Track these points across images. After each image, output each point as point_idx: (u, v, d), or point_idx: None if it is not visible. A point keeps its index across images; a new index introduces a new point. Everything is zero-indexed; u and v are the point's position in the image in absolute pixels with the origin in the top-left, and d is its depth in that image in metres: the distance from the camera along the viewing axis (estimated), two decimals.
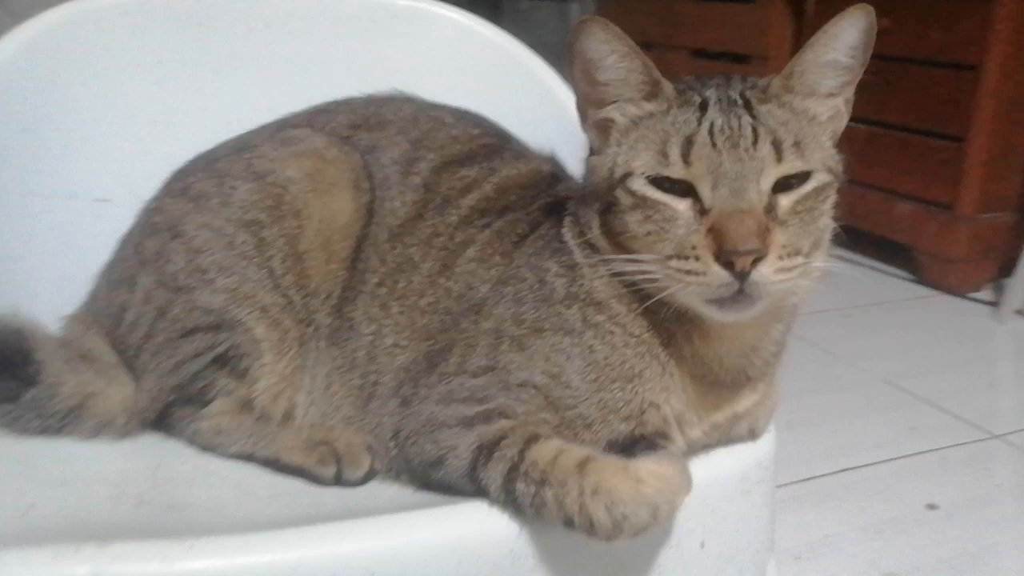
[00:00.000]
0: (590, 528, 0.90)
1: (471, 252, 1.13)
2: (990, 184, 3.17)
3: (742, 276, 0.89)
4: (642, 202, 0.94)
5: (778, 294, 0.93)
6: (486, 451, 0.97)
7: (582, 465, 0.93)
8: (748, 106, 0.94)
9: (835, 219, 1.01)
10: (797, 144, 0.92)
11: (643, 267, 0.95)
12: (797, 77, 0.96)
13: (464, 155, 1.23)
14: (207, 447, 1.17)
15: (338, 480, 1.10)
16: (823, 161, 0.95)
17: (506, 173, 1.21)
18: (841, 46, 0.97)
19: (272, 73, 1.52)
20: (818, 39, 0.97)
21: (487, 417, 1.00)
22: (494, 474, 0.95)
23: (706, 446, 1.09)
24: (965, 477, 2.17)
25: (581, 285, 1.02)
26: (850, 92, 1.00)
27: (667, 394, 1.01)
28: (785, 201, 0.92)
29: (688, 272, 0.91)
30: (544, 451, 0.95)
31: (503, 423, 0.99)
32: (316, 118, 1.27)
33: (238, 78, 1.52)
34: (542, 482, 0.93)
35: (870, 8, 0.95)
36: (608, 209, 1.00)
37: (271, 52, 1.55)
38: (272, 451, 1.14)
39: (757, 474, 1.10)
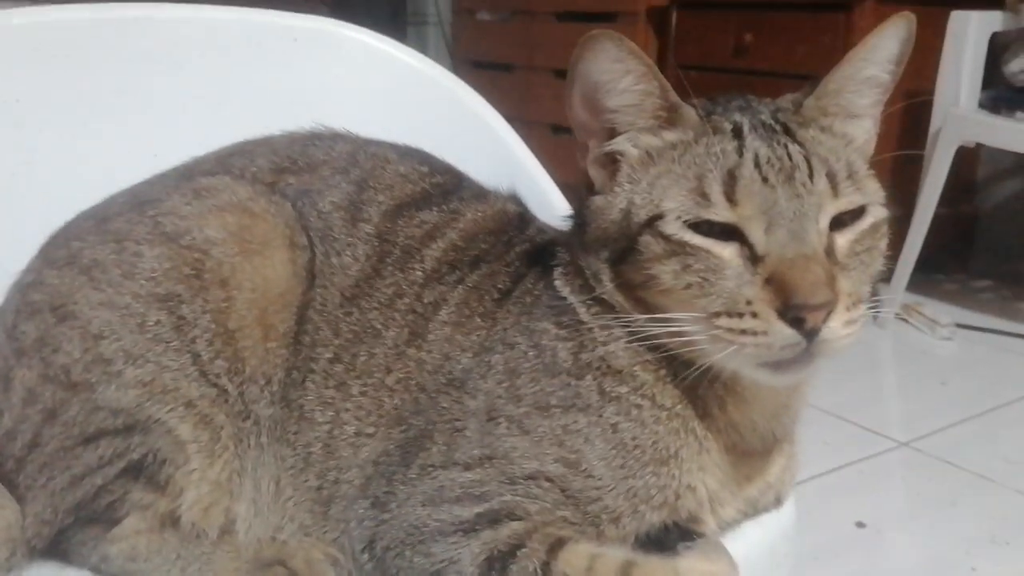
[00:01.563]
0: None
1: (444, 314, 0.96)
2: None
3: (811, 334, 0.76)
4: (679, 248, 0.80)
5: (843, 350, 0.81)
6: (499, 564, 0.81)
7: (626, 572, 0.79)
8: (788, 132, 0.83)
9: None
10: (851, 175, 0.81)
11: (680, 327, 0.81)
12: (832, 97, 0.86)
13: (418, 197, 1.04)
14: None
15: None
16: (876, 192, 0.85)
17: (471, 217, 1.04)
18: (881, 59, 0.86)
19: (157, 110, 1.29)
20: (856, 52, 0.85)
21: (493, 520, 0.83)
22: None
23: (732, 523, 0.95)
24: (887, 490, 2.17)
25: (594, 350, 0.87)
26: (879, 111, 0.89)
27: (704, 473, 0.88)
28: (842, 240, 0.81)
29: (743, 332, 0.78)
30: (575, 559, 0.79)
31: (514, 527, 0.83)
32: (230, 163, 1.05)
33: (116, 118, 1.28)
34: None
35: (912, 16, 0.85)
36: (624, 258, 0.85)
37: (155, 86, 1.32)
38: None
39: (784, 545, 0.98)
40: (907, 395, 2.77)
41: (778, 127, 0.82)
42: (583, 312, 0.88)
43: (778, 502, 0.99)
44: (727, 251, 0.80)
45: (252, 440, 0.95)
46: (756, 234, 0.79)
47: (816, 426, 2.40)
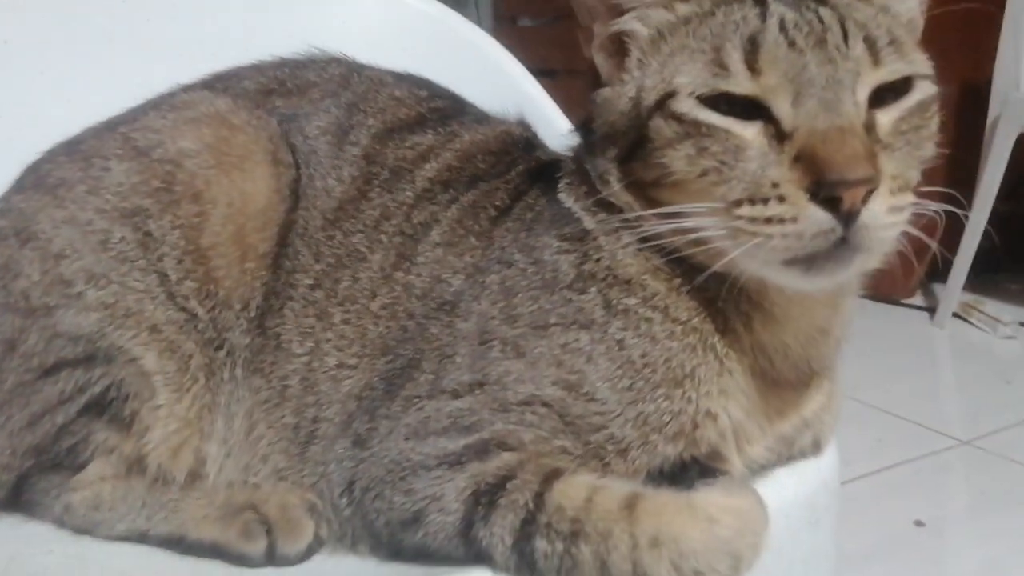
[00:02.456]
0: None
1: (435, 235, 0.86)
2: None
3: (849, 217, 0.65)
4: (694, 129, 0.70)
5: (886, 244, 0.70)
6: (486, 498, 0.70)
7: (630, 505, 0.68)
8: None
9: None
10: (893, 42, 0.71)
11: (695, 222, 0.70)
12: None
13: (413, 120, 0.96)
14: (84, 528, 0.86)
15: (271, 558, 0.81)
16: (924, 64, 0.74)
17: (470, 138, 0.95)
18: None
19: (158, 61, 1.21)
20: None
21: (482, 450, 0.73)
22: (500, 530, 0.70)
23: (764, 466, 0.84)
24: (946, 488, 2.04)
25: (599, 260, 0.77)
26: None
27: (725, 399, 0.76)
28: (885, 118, 0.71)
29: (769, 220, 0.67)
30: (571, 491, 0.69)
31: (505, 457, 0.73)
32: (214, 84, 0.98)
33: (111, 64, 1.22)
34: (574, 535, 0.67)
35: None
36: (633, 153, 0.74)
37: (156, 34, 1.26)
38: (175, 525, 0.84)
39: (825, 498, 0.86)
40: (967, 393, 2.61)
41: None
42: (587, 220, 0.78)
43: (816, 447, 0.87)
44: (749, 130, 0.69)
45: (225, 372, 0.86)
46: (782, 107, 0.68)
47: (870, 423, 2.26)
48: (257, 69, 1.00)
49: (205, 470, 0.87)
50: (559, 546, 0.67)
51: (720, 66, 0.70)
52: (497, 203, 0.87)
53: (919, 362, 2.72)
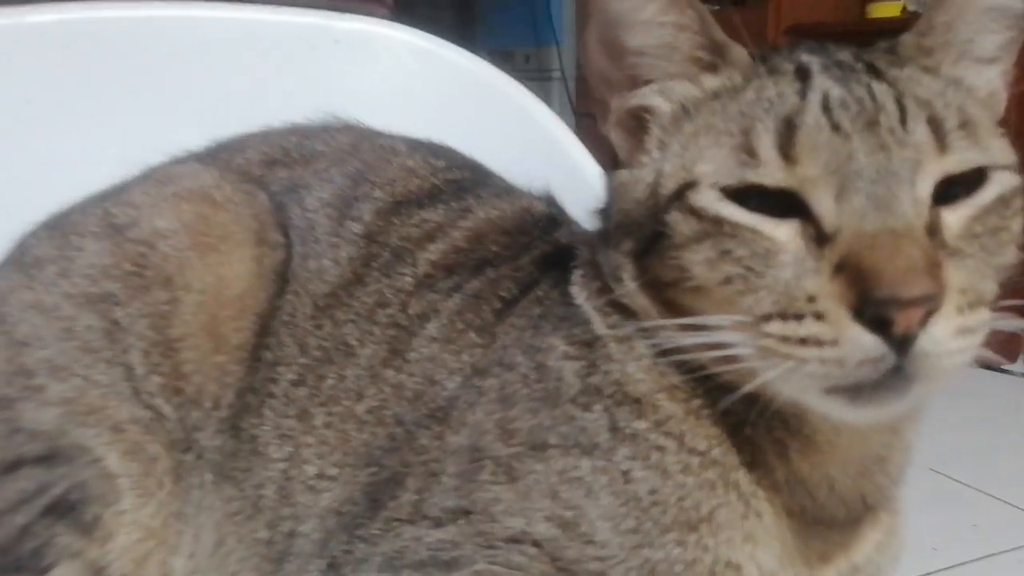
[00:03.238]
0: None
1: (432, 328, 0.77)
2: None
3: (904, 343, 0.53)
4: (715, 228, 0.60)
5: (951, 372, 0.57)
6: None
7: None
8: (875, 71, 0.61)
9: None
10: (966, 124, 0.59)
11: (717, 337, 0.59)
12: (941, 32, 0.64)
13: (424, 193, 0.87)
14: None
15: None
16: (1003, 152, 0.61)
17: (484, 215, 0.85)
18: None
19: (183, 114, 1.17)
20: None
21: None
22: None
23: None
24: None
25: (607, 372, 0.66)
26: (1012, 59, 0.65)
27: (752, 546, 0.64)
28: (954, 218, 0.59)
29: (804, 341, 0.55)
30: None
31: None
32: (217, 153, 0.91)
33: (136, 120, 1.17)
34: None
35: None
36: (651, 248, 0.64)
37: (180, 88, 1.20)
38: None
39: None
40: None
41: (859, 66, 0.61)
42: (598, 322, 0.68)
43: None
44: (782, 230, 0.58)
45: (194, 478, 0.78)
46: (824, 203, 0.57)
47: (966, 506, 2.07)
48: (263, 137, 0.92)
49: None
50: None
51: (748, 152, 0.59)
52: (503, 294, 0.77)
53: (1015, 436, 2.45)
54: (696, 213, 0.60)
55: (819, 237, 0.57)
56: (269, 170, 0.89)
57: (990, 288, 0.59)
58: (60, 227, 0.83)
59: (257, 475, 0.77)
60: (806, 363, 0.56)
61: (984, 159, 0.59)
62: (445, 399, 0.73)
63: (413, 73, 1.28)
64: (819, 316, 0.55)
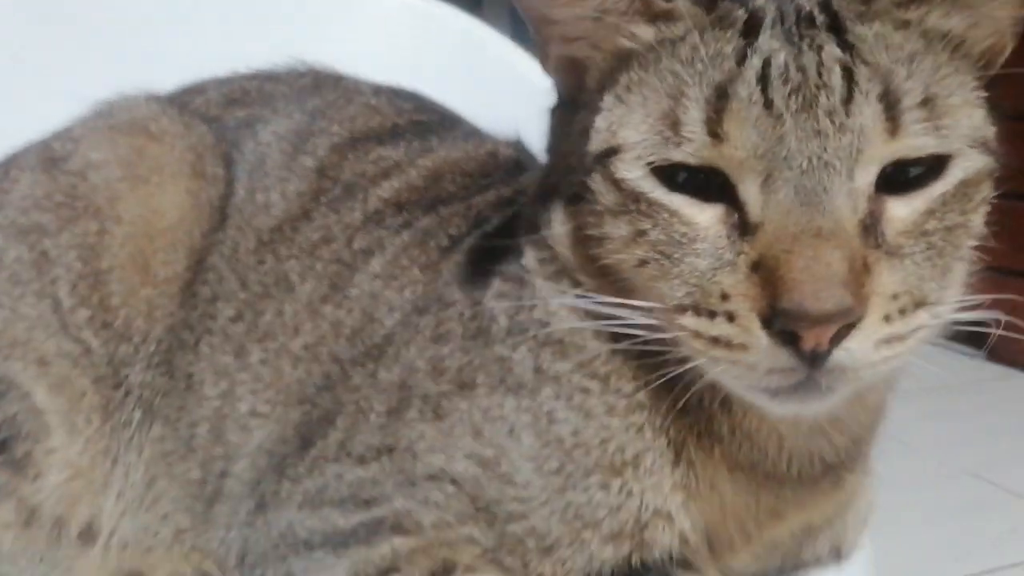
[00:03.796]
0: None
1: (376, 264, 0.73)
2: None
3: (815, 359, 0.49)
4: (633, 203, 0.54)
5: (879, 379, 0.53)
6: None
7: None
8: (836, 27, 0.53)
9: None
10: (929, 101, 0.51)
11: (643, 318, 0.54)
12: None
13: (385, 131, 0.83)
14: None
15: None
16: (973, 130, 0.53)
17: (444, 155, 0.81)
18: None
19: (163, 71, 1.15)
20: None
21: (372, 532, 0.59)
22: None
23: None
24: None
25: (531, 310, 0.61)
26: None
27: (685, 496, 0.59)
28: (903, 210, 0.52)
29: (715, 341, 0.51)
30: None
31: (396, 543, 0.59)
32: (178, 96, 0.88)
33: (121, 79, 1.15)
34: None
35: None
36: (577, 200, 0.58)
37: (163, 52, 1.18)
38: None
39: None
40: None
41: (822, 18, 0.54)
42: (530, 257, 0.63)
43: (837, 555, 0.68)
44: (705, 215, 0.52)
45: (123, 415, 0.75)
46: (750, 190, 0.51)
47: (1003, 510, 1.98)
48: (225, 80, 0.90)
49: (99, 527, 0.75)
50: None
51: (673, 125, 0.52)
52: (452, 231, 0.73)
53: None
54: (616, 184, 0.54)
55: (743, 227, 0.51)
56: (226, 110, 0.86)
57: (937, 287, 0.52)
58: (4, 163, 0.82)
59: (191, 413, 0.74)
60: (718, 362, 0.51)
61: (943, 146, 0.52)
62: (382, 336, 0.69)
63: (405, 34, 1.25)
64: (730, 316, 0.50)
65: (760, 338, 0.49)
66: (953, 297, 0.55)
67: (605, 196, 0.55)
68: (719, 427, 0.59)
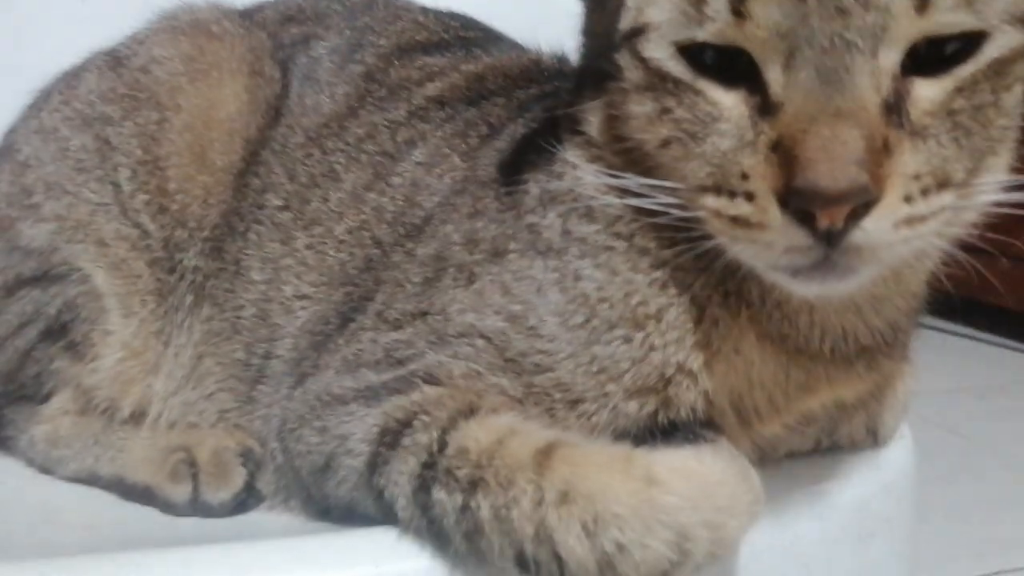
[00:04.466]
0: (548, 569, 0.50)
1: (418, 153, 0.75)
2: None
3: (831, 237, 0.48)
4: (659, 82, 0.54)
5: (903, 257, 0.52)
6: (390, 438, 0.57)
7: (547, 452, 0.52)
8: None
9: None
10: None
11: (668, 198, 0.54)
12: None
13: (432, 44, 0.86)
14: (44, 466, 0.80)
15: (195, 505, 0.71)
16: (1013, 4, 0.51)
17: (488, 62, 0.83)
18: None
19: None
20: None
21: (404, 384, 0.60)
22: (399, 476, 0.56)
23: (791, 451, 0.65)
24: None
25: (562, 177, 0.62)
26: None
27: (709, 356, 0.59)
28: (929, 91, 0.50)
29: (735, 220, 0.51)
30: (483, 431, 0.54)
31: (427, 391, 0.59)
32: (246, 16, 0.92)
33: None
34: (473, 485, 0.52)
35: None
36: (608, 80, 0.58)
37: None
38: (118, 466, 0.76)
39: (885, 505, 0.65)
40: None
41: None
42: (567, 139, 0.63)
43: (874, 438, 0.67)
44: (729, 96, 0.51)
45: (176, 298, 0.78)
46: (773, 70, 0.50)
47: None
48: (285, 2, 0.93)
49: (151, 407, 0.78)
50: (458, 499, 0.52)
51: (697, 3, 0.51)
52: (492, 120, 0.74)
53: None
54: (643, 61, 0.54)
55: (764, 108, 0.50)
56: (282, 27, 0.89)
57: (963, 168, 0.51)
58: (73, 69, 0.86)
59: (238, 297, 0.76)
60: (738, 241, 0.51)
61: (978, 22, 0.49)
62: (421, 218, 0.70)
63: None
64: (749, 196, 0.50)
65: (776, 217, 0.48)
66: (991, 178, 0.54)
67: (632, 73, 0.55)
68: (748, 291, 0.58)
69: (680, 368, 0.58)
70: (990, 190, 0.54)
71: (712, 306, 0.58)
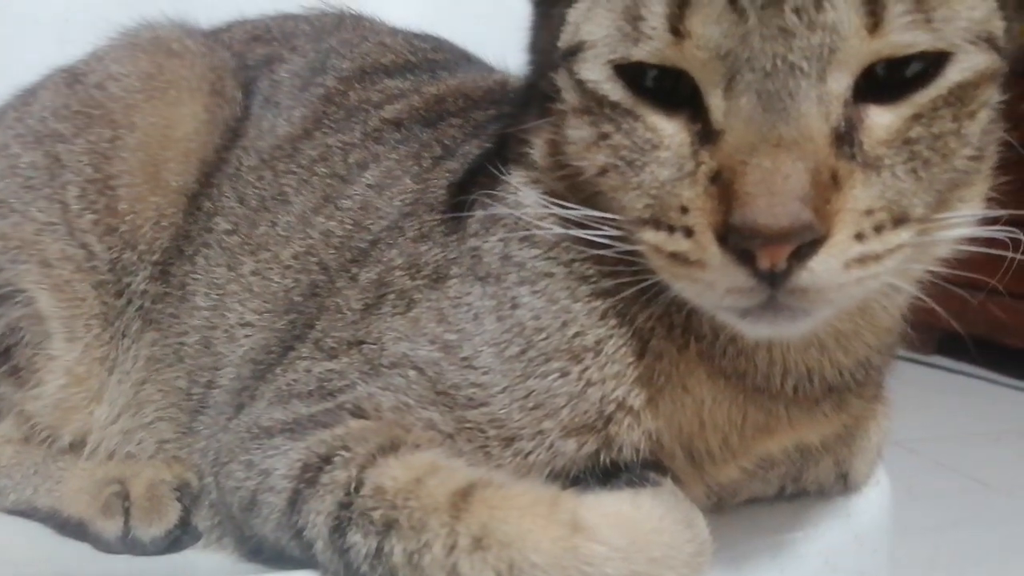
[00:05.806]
0: None
1: (370, 176, 0.71)
2: None
3: (774, 278, 0.44)
4: (596, 106, 0.50)
5: (857, 298, 0.48)
6: (311, 474, 0.53)
7: (465, 493, 0.49)
8: None
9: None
10: None
11: (610, 229, 0.51)
12: None
13: (396, 66, 0.83)
14: None
15: (125, 541, 0.68)
16: (975, 23, 0.47)
17: (451, 84, 0.80)
18: None
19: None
20: None
21: (331, 417, 0.57)
22: (316, 516, 0.52)
23: (753, 497, 0.61)
24: None
25: (504, 200, 0.58)
26: None
27: (653, 392, 0.54)
28: (884, 119, 0.46)
29: (674, 257, 0.47)
30: (401, 469, 0.51)
31: (352, 426, 0.56)
32: (211, 35, 0.90)
33: None
34: (388, 527, 0.49)
35: None
36: (551, 102, 0.55)
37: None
38: (55, 499, 0.73)
39: (857, 558, 0.60)
40: None
41: None
42: (512, 162, 0.59)
43: (844, 483, 0.62)
44: (670, 123, 0.48)
45: (122, 323, 0.75)
46: (714, 94, 0.46)
47: None
48: (253, 22, 0.91)
49: (90, 436, 0.75)
50: (372, 542, 0.49)
51: (635, 19, 0.48)
52: (447, 141, 0.71)
53: None
54: (579, 83, 0.51)
55: (705, 136, 0.47)
56: (248, 47, 0.87)
57: (923, 202, 0.47)
58: (32, 85, 0.84)
59: (182, 323, 0.74)
60: (679, 279, 0.47)
61: (937, 42, 0.45)
62: (368, 242, 0.67)
63: None
64: (688, 232, 0.46)
65: (715, 255, 0.45)
66: (965, 210, 0.51)
67: (570, 95, 0.52)
68: (698, 325, 0.54)
69: (620, 405, 0.54)
70: (961, 223, 0.50)
71: (656, 339, 0.54)
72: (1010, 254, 0.50)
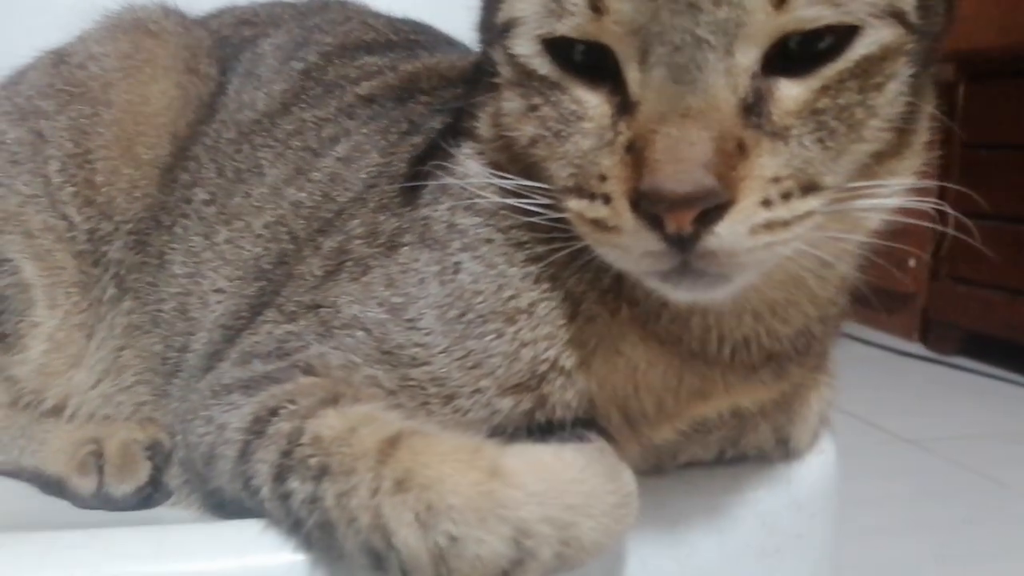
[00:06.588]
0: (391, 562, 0.48)
1: (340, 149, 0.74)
2: None
3: (682, 242, 0.46)
4: (526, 79, 0.53)
5: (767, 265, 0.50)
6: (260, 425, 0.56)
7: (393, 440, 0.51)
8: None
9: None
10: None
11: (542, 198, 0.53)
12: None
13: (378, 44, 0.86)
14: None
15: (99, 497, 0.71)
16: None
17: (427, 63, 0.82)
18: None
19: None
20: None
21: (283, 374, 0.59)
22: (261, 465, 0.55)
23: (693, 460, 0.62)
24: None
25: (452, 171, 0.61)
26: None
27: (586, 354, 0.56)
28: (793, 91, 0.48)
29: (595, 223, 0.49)
30: (338, 419, 0.53)
31: (302, 382, 0.58)
32: (200, 21, 0.93)
33: None
34: (322, 472, 0.51)
35: None
36: (492, 76, 0.57)
37: None
38: (39, 459, 0.77)
39: (795, 521, 0.61)
40: None
41: None
42: (463, 135, 0.62)
43: (784, 450, 0.63)
44: (593, 96, 0.50)
45: (99, 290, 0.78)
46: (631, 68, 0.49)
47: None
48: (243, 7, 0.95)
49: (71, 400, 0.79)
50: (309, 488, 0.51)
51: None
52: (414, 118, 0.73)
53: None
54: (512, 58, 0.53)
55: (623, 107, 0.49)
56: (236, 29, 0.91)
57: (831, 171, 0.49)
58: (22, 67, 0.88)
59: (160, 290, 0.77)
60: (601, 244, 0.50)
61: (840, 15, 0.47)
62: (334, 212, 0.70)
63: None
64: (607, 199, 0.48)
65: (629, 220, 0.47)
66: (894, 182, 0.52)
67: (504, 69, 0.54)
68: (630, 289, 0.56)
69: (553, 365, 0.56)
70: (887, 194, 0.52)
71: (588, 302, 0.56)
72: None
